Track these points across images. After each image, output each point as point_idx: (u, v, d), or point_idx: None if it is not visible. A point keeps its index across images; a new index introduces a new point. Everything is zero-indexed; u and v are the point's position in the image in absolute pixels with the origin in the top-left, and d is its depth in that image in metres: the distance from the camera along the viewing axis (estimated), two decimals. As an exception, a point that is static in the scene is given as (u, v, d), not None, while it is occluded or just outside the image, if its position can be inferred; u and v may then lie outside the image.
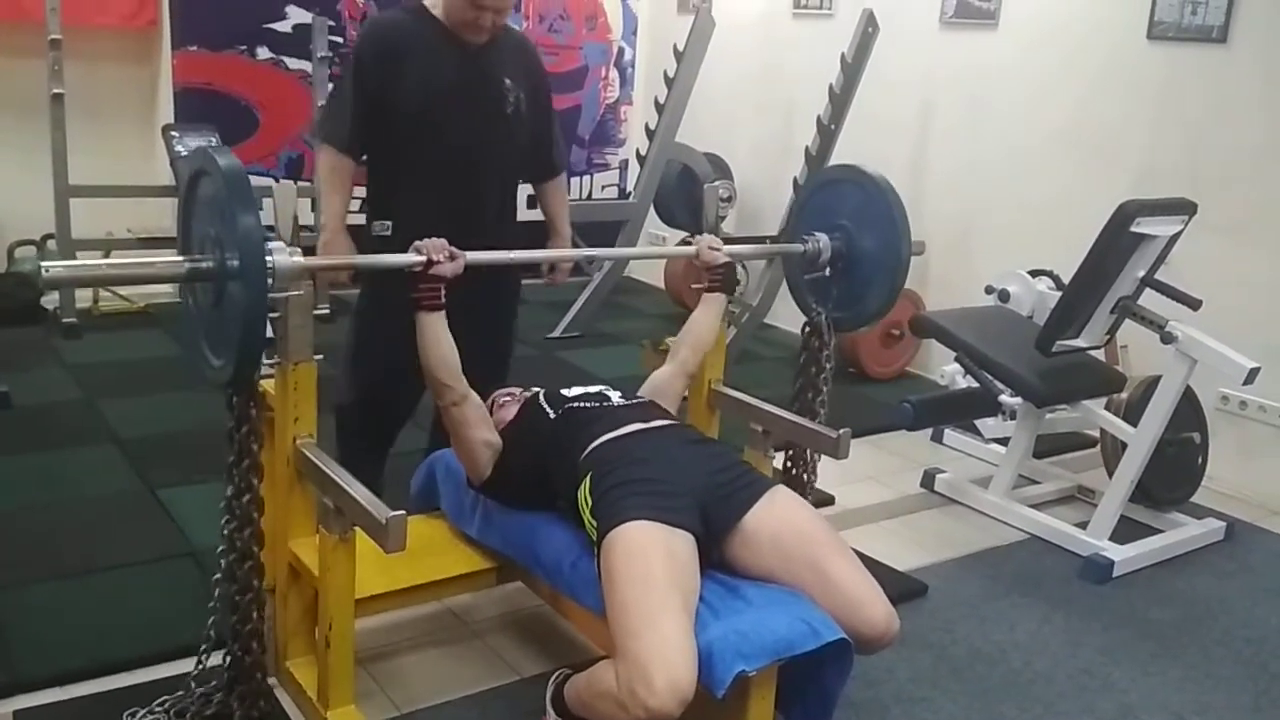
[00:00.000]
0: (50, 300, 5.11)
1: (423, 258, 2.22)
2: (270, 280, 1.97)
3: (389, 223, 2.77)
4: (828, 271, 2.79)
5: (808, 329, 2.98)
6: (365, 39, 2.84)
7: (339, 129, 2.76)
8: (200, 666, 2.21)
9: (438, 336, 2.26)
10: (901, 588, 3.00)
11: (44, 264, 1.87)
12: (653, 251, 2.73)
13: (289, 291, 2.07)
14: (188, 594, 2.70)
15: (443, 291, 2.25)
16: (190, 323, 2.11)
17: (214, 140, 5.19)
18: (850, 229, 2.76)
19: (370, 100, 2.71)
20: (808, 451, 2.95)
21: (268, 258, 1.95)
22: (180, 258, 2.00)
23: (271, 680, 2.36)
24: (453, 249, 2.25)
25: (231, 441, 2.10)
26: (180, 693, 2.22)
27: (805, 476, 2.99)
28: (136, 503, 3.23)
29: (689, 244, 5.43)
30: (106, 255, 5.19)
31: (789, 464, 3.01)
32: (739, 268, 5.77)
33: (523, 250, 2.78)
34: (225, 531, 2.14)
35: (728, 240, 2.97)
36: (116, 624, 2.55)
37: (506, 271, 2.95)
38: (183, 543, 2.97)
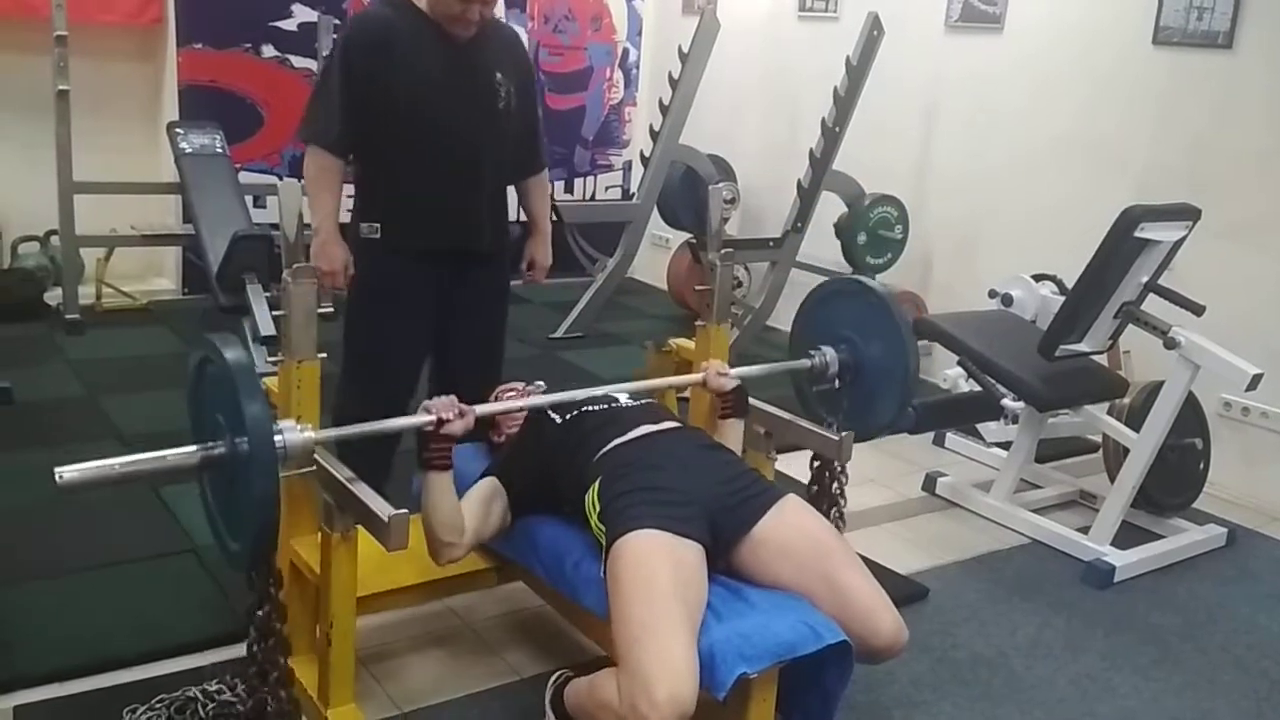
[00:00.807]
0: (53, 297, 5.12)
1: (433, 417, 2.13)
2: (283, 461, 1.96)
3: (377, 225, 2.72)
4: (836, 384, 2.77)
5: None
6: (353, 35, 2.74)
7: (326, 128, 2.69)
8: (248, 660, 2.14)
9: (444, 497, 2.17)
10: (902, 591, 2.99)
11: (58, 470, 1.83)
12: (657, 384, 2.61)
13: (299, 470, 2.07)
14: (189, 591, 2.70)
15: (453, 451, 2.17)
16: (205, 506, 2.07)
17: (218, 138, 5.20)
18: (856, 340, 2.73)
19: (359, 98, 2.65)
20: (835, 464, 2.89)
21: (278, 438, 1.94)
22: (193, 448, 1.95)
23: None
24: (461, 406, 2.17)
25: (253, 622, 2.04)
26: (180, 690, 2.22)
27: (835, 487, 2.93)
28: (138, 500, 3.22)
29: (694, 249, 5.47)
30: (109, 252, 5.21)
31: (815, 479, 2.88)
32: (742, 269, 5.80)
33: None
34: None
35: (729, 245, 2.95)
36: (117, 621, 2.55)
37: (496, 272, 2.93)
38: (184, 540, 2.97)
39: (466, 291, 2.81)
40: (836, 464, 2.83)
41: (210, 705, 2.21)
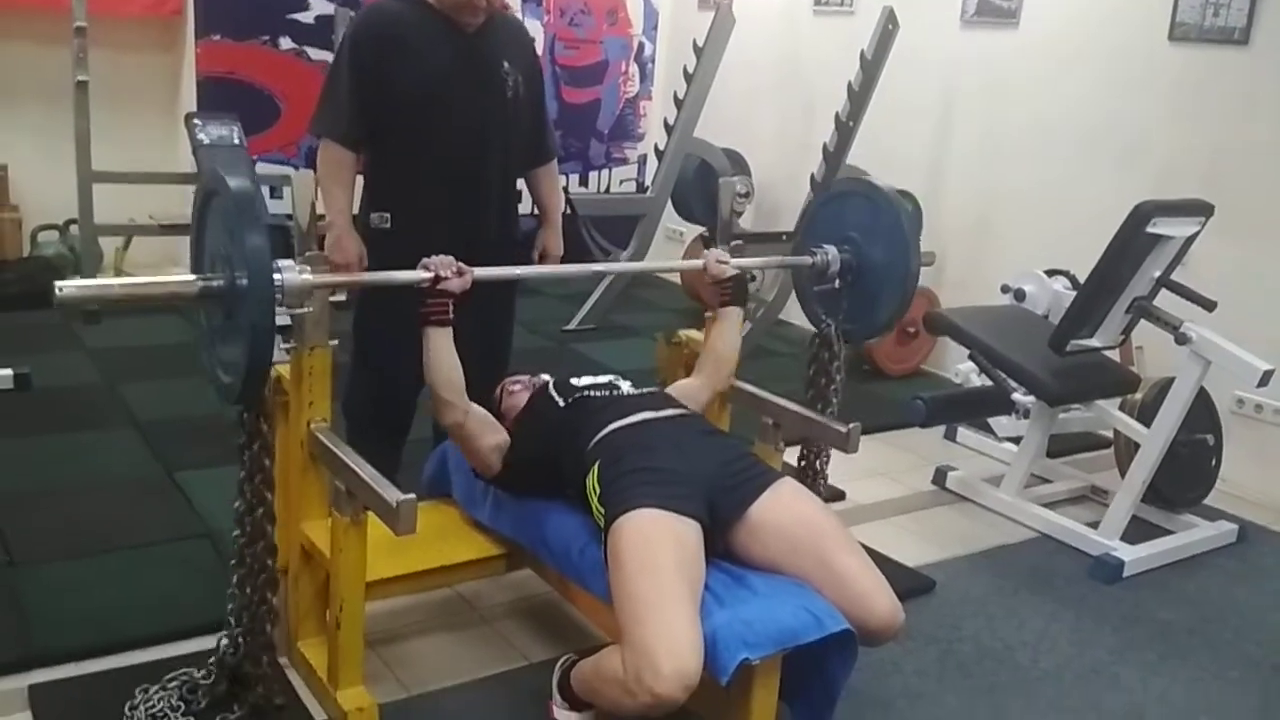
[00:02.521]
0: (72, 285, 5.16)
1: (430, 274, 2.21)
2: (280, 297, 1.99)
3: (387, 214, 2.74)
4: (837, 284, 2.79)
5: (816, 340, 2.96)
6: (361, 27, 2.76)
7: (337, 121, 2.72)
8: (225, 645, 2.23)
9: (443, 353, 2.25)
10: (910, 583, 3.00)
11: (58, 284, 1.87)
12: (661, 265, 2.69)
13: (299, 309, 2.11)
14: (203, 574, 2.73)
15: (450, 307, 2.24)
16: (201, 339, 2.12)
17: (236, 129, 5.23)
18: (859, 241, 2.76)
19: (368, 90, 2.67)
20: (820, 446, 2.96)
21: (276, 276, 1.97)
22: (192, 277, 2.01)
23: (283, 660, 2.39)
24: (460, 265, 2.24)
25: (241, 456, 2.12)
26: (191, 670, 2.25)
27: (818, 466, 2.99)
28: (154, 485, 3.26)
29: (707, 241, 5.48)
30: (127, 241, 5.26)
31: (802, 458, 3.02)
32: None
33: (528, 265, 2.77)
34: (238, 510, 2.17)
35: (742, 238, 2.98)
36: (132, 603, 2.58)
37: (506, 261, 2.94)
38: (199, 524, 3.01)
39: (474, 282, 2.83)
40: (821, 448, 2.88)
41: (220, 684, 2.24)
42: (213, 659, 2.25)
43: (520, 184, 3.03)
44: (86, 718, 2.16)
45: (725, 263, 2.67)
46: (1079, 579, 3.22)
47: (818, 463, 3.00)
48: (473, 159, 2.77)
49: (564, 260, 3.12)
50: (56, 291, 1.86)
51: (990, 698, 2.56)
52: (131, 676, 2.27)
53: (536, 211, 3.12)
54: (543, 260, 3.08)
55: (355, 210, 2.83)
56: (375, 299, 2.83)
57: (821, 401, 2.94)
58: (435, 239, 2.76)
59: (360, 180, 2.86)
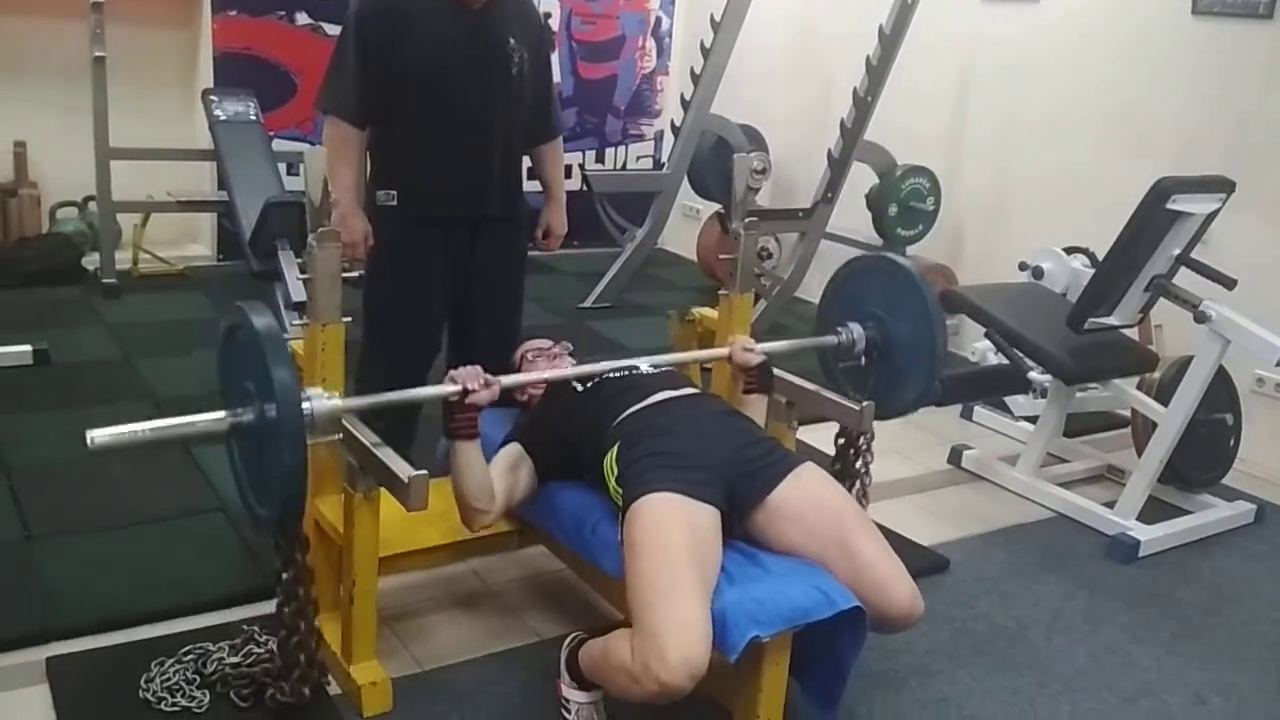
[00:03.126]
0: (91, 261, 5.20)
1: (458, 387, 2.15)
2: (310, 429, 1.99)
3: (393, 192, 2.74)
4: (863, 361, 2.75)
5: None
6: (367, 3, 2.75)
7: (344, 98, 2.71)
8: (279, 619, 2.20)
9: (472, 465, 2.19)
10: (924, 562, 3.00)
11: (90, 433, 1.87)
12: (685, 358, 2.63)
13: (327, 436, 2.09)
14: (218, 548, 2.76)
15: (479, 421, 2.19)
16: (234, 470, 2.11)
17: (252, 105, 5.24)
18: (883, 317, 2.71)
19: (373, 68, 2.67)
20: (860, 438, 2.87)
21: (305, 405, 1.97)
22: (222, 414, 2.00)
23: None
24: (487, 376, 2.18)
25: (280, 584, 2.10)
26: (206, 644, 2.27)
27: (859, 464, 2.91)
28: (171, 460, 3.28)
29: (723, 220, 5.46)
30: (146, 217, 5.28)
31: (840, 455, 2.89)
32: (772, 240, 5.78)
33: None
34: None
35: (758, 214, 2.94)
36: (148, 577, 2.61)
37: (511, 237, 2.94)
38: (215, 499, 3.03)
39: (482, 256, 2.83)
40: (862, 440, 2.83)
41: (237, 659, 2.26)
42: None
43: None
44: (103, 690, 2.18)
45: (751, 350, 2.59)
46: (1094, 558, 3.21)
47: (858, 460, 2.88)
48: (477, 136, 2.76)
49: (579, 237, 3.11)
50: (89, 442, 1.86)
51: (1003, 676, 2.56)
52: (147, 650, 2.30)
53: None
54: (546, 238, 3.07)
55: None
56: (383, 272, 2.83)
57: (850, 479, 2.85)
58: (440, 216, 2.77)
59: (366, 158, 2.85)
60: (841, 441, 2.85)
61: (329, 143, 2.76)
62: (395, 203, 2.75)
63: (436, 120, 2.72)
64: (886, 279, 2.74)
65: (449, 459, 2.22)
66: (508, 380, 2.27)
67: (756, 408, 2.61)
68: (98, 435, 1.88)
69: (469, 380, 2.15)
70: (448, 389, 2.17)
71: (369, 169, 2.86)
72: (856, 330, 2.74)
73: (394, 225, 2.75)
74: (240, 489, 2.11)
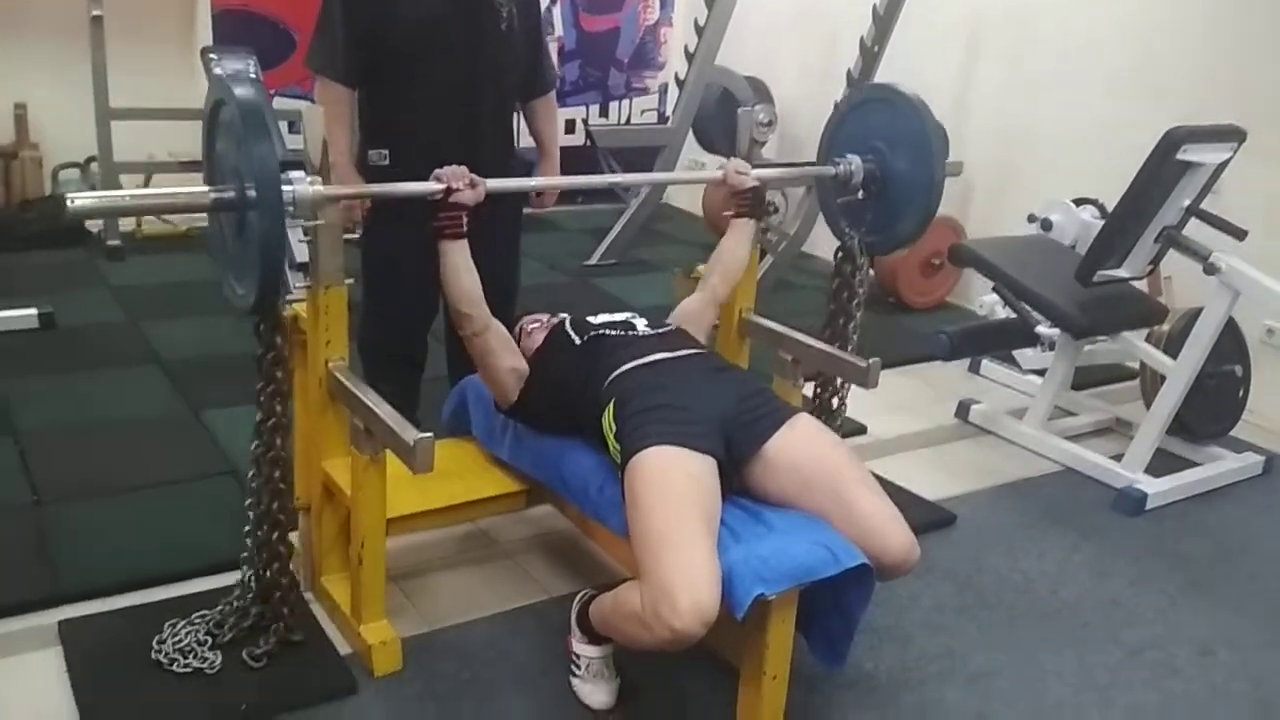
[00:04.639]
0: (94, 223, 5.18)
1: (442, 185, 2.20)
2: (291, 208, 1.98)
3: (385, 151, 2.72)
4: (861, 195, 2.73)
5: (840, 253, 2.93)
6: None
7: (333, 58, 2.69)
8: (248, 580, 2.27)
9: (459, 266, 2.26)
10: (930, 517, 3.01)
11: (70, 195, 1.88)
12: (679, 177, 2.67)
13: (313, 220, 2.08)
14: (227, 511, 2.76)
15: (464, 220, 2.24)
16: (217, 251, 2.13)
17: (252, 64, 5.18)
18: (884, 150, 2.70)
19: (362, 25, 2.64)
20: (837, 379, 2.94)
21: (286, 187, 1.96)
22: (205, 188, 2.02)
23: (308, 595, 2.43)
24: (473, 176, 2.23)
25: (260, 366, 2.14)
26: (219, 606, 2.29)
27: (834, 403, 2.97)
28: (178, 423, 3.30)
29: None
30: (148, 178, 5.26)
31: (818, 390, 2.99)
32: (779, 195, 5.74)
33: (541, 177, 2.72)
34: (253, 453, 2.20)
35: (762, 165, 2.92)
36: (158, 540, 2.62)
37: (506, 197, 2.91)
38: (223, 462, 3.04)
39: (476, 216, 2.80)
40: (838, 381, 2.85)
41: (245, 619, 2.28)
42: (232, 597, 2.30)
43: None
44: (115, 652, 2.20)
45: (745, 173, 2.64)
46: (1101, 512, 3.21)
47: (834, 400, 2.97)
48: (467, 93, 2.73)
49: (584, 193, 3.09)
50: (69, 204, 1.86)
51: (1009, 630, 2.57)
52: (158, 612, 2.31)
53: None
54: (540, 195, 3.05)
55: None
56: (380, 231, 2.82)
57: (844, 316, 2.90)
58: (431, 173, 2.74)
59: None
60: (822, 377, 2.89)
61: (322, 103, 2.76)
62: (388, 162, 2.73)
63: (425, 78, 2.69)
64: (888, 111, 2.71)
65: (440, 261, 2.26)
66: (493, 183, 2.30)
67: (744, 230, 2.67)
68: (78, 198, 1.90)
69: (454, 179, 2.21)
70: (432, 186, 2.22)
71: (359, 129, 2.83)
72: (855, 162, 2.73)
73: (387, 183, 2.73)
74: (221, 269, 2.14)
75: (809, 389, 2.96)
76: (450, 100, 2.72)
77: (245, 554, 2.27)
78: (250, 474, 2.23)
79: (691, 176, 2.84)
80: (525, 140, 3.23)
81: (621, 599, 1.99)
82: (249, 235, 1.96)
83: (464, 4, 2.68)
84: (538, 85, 2.98)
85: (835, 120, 2.84)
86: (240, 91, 1.91)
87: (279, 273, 1.97)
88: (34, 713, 2.07)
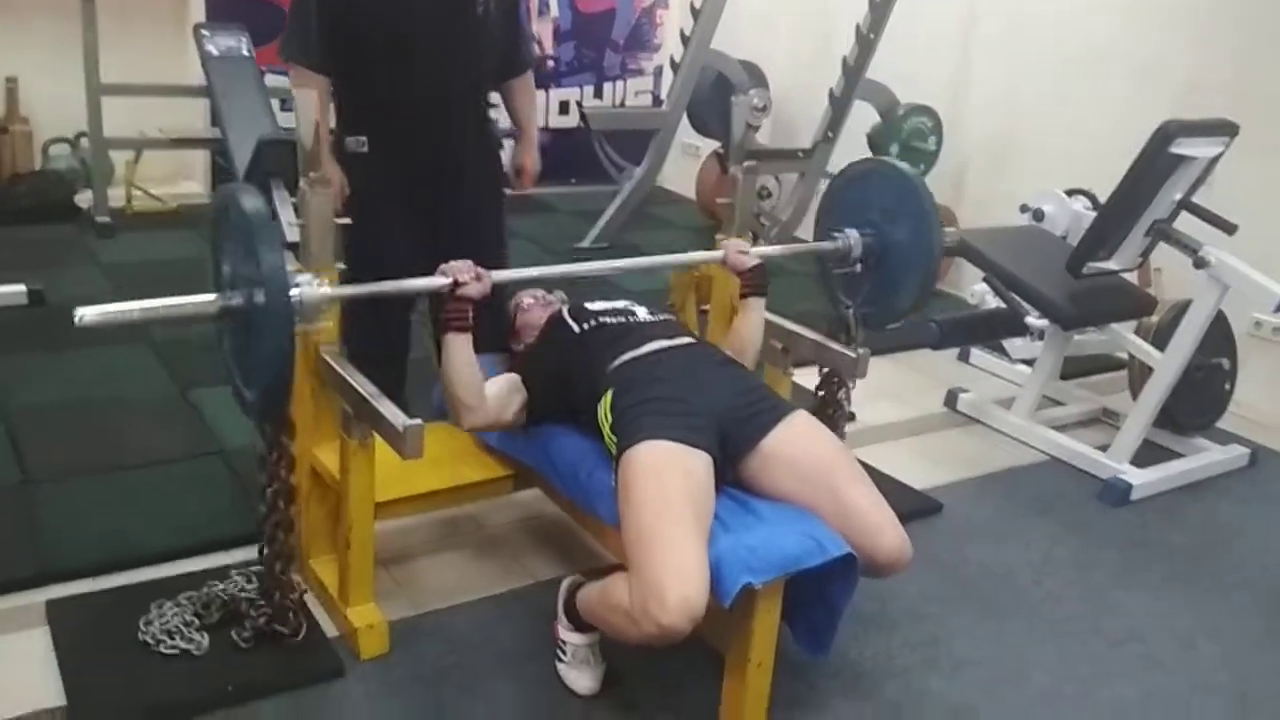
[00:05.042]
0: (84, 199, 5.16)
1: (449, 280, 2.16)
2: (298, 315, 1.99)
3: (363, 138, 2.70)
4: (859, 268, 2.73)
5: (833, 324, 2.84)
6: None
7: (306, 45, 2.65)
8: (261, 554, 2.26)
9: (464, 359, 2.21)
10: (916, 505, 3.03)
11: (78, 311, 1.86)
12: (679, 259, 2.63)
13: (314, 324, 2.10)
14: (215, 491, 2.77)
15: (470, 314, 2.20)
16: (223, 353, 2.12)
17: (244, 40, 5.15)
18: (881, 224, 2.69)
19: (336, 11, 2.61)
20: (841, 378, 2.91)
21: (293, 291, 1.96)
22: (212, 297, 2.00)
23: (296, 577, 2.43)
24: (479, 270, 2.19)
25: (264, 466, 2.13)
26: (205, 587, 2.30)
27: (839, 397, 2.93)
28: (168, 402, 3.29)
29: (722, 160, 5.40)
30: (138, 154, 5.23)
31: (820, 388, 2.93)
32: (771, 180, 5.73)
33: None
34: (259, 548, 2.21)
35: (758, 155, 2.91)
36: (146, 519, 2.62)
37: (486, 180, 2.90)
38: (212, 442, 3.04)
39: (458, 201, 2.80)
40: (840, 377, 2.84)
41: (231, 598, 2.28)
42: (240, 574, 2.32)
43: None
44: (102, 632, 2.20)
45: (745, 253, 2.59)
46: (1087, 502, 3.23)
47: (840, 394, 2.92)
48: (443, 78, 2.70)
49: (577, 175, 3.07)
50: (77, 319, 1.85)
51: (993, 620, 2.59)
52: (146, 592, 2.32)
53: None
54: (519, 176, 3.04)
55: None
56: (358, 220, 2.78)
57: (833, 408, 2.86)
58: (412, 159, 2.73)
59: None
60: (820, 384, 2.87)
61: (296, 90, 2.70)
62: (365, 149, 2.70)
63: (401, 64, 2.66)
64: (886, 185, 2.71)
65: (443, 354, 2.23)
66: (499, 275, 2.28)
67: (754, 311, 2.62)
68: (86, 313, 1.88)
69: (460, 273, 2.18)
70: (439, 281, 2.19)
71: (336, 116, 2.81)
72: (853, 236, 2.72)
73: (366, 171, 2.71)
74: (228, 372, 2.13)
75: (804, 382, 2.93)
76: (426, 85, 2.69)
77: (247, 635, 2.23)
78: (255, 569, 2.24)
79: (691, 259, 2.80)
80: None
81: (609, 591, 2.00)
82: (257, 343, 1.94)
83: None
84: (514, 65, 2.95)
85: (832, 193, 2.83)
86: (248, 203, 1.90)
87: (288, 380, 1.96)
88: (21, 692, 2.07)
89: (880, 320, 2.71)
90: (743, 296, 2.61)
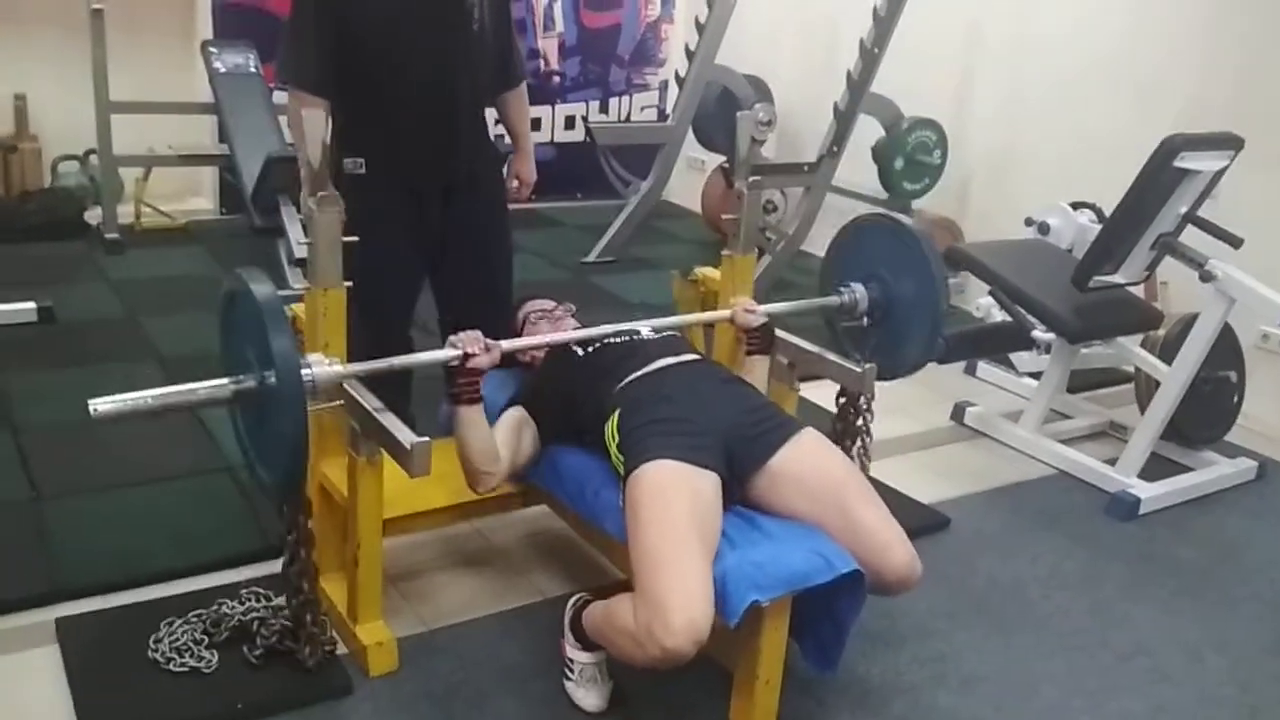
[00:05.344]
0: (93, 216, 5.19)
1: (458, 352, 2.16)
2: (311, 395, 2.00)
3: (361, 160, 2.70)
4: (865, 321, 2.75)
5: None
6: None
7: (304, 68, 2.63)
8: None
9: (476, 428, 2.21)
10: (924, 521, 3.02)
11: (92, 403, 1.87)
12: (686, 320, 2.64)
13: (325, 404, 2.10)
14: (223, 508, 2.78)
15: (481, 385, 2.20)
16: (238, 435, 2.13)
17: (252, 57, 5.19)
18: (886, 278, 2.70)
19: (333, 31, 2.59)
20: (861, 398, 2.88)
21: (305, 371, 1.98)
22: (225, 381, 2.01)
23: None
24: (487, 341, 2.19)
25: (285, 546, 2.13)
26: (215, 605, 2.31)
27: (860, 424, 2.91)
28: (176, 419, 3.27)
29: (727, 175, 5.43)
30: (147, 171, 5.26)
31: (841, 415, 2.90)
32: (777, 193, 5.74)
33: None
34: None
35: (764, 170, 2.92)
36: (155, 536, 2.63)
37: (486, 196, 2.89)
38: (220, 458, 3.04)
39: (459, 216, 2.80)
40: (863, 400, 2.84)
41: (242, 618, 2.28)
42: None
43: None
44: (112, 650, 2.21)
45: (753, 312, 2.60)
46: (1094, 516, 3.23)
47: (859, 420, 2.90)
48: (440, 96, 2.70)
49: (583, 190, 3.08)
50: (91, 412, 1.86)
51: (1001, 635, 2.59)
52: (156, 609, 2.33)
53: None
54: (518, 188, 3.05)
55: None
56: (355, 231, 2.79)
57: (850, 438, 2.87)
58: (410, 180, 2.73)
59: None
60: (843, 400, 2.86)
61: (293, 115, 2.68)
62: (363, 170, 2.70)
63: (398, 83, 2.66)
64: (890, 239, 2.72)
65: (452, 423, 2.23)
66: (508, 345, 2.27)
67: (759, 369, 2.62)
68: (100, 405, 1.88)
69: (469, 345, 2.17)
70: (448, 354, 2.18)
71: (332, 137, 2.80)
72: (859, 290, 2.73)
73: (364, 193, 2.70)
74: (244, 453, 2.14)
75: (812, 398, 2.91)
76: (423, 103, 2.69)
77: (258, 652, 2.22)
78: (264, 593, 2.27)
79: (700, 319, 2.81)
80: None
81: (614, 613, 2.00)
82: (272, 427, 1.95)
83: (432, 11, 2.64)
84: (508, 79, 2.95)
85: (836, 247, 2.85)
86: (258, 290, 1.91)
87: (304, 459, 1.96)
88: (31, 710, 2.08)
89: (889, 373, 2.72)
90: (748, 354, 2.62)
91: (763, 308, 2.63)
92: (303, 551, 2.13)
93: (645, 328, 2.45)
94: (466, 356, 2.16)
